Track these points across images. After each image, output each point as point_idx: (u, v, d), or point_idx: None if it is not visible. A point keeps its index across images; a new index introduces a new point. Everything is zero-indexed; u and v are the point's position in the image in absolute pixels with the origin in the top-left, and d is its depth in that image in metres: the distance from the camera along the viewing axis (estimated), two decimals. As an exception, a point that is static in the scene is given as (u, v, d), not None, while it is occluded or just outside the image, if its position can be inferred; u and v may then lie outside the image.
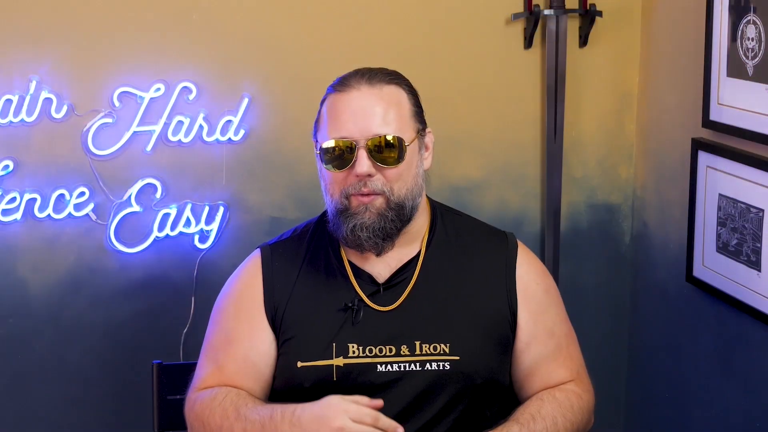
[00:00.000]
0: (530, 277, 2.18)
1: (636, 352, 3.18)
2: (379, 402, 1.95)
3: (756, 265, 2.55)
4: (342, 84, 2.09)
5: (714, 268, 2.73)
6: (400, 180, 2.06)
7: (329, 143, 2.06)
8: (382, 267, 2.14)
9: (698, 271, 2.79)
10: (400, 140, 2.05)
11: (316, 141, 2.12)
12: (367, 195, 2.05)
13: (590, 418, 2.18)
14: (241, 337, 2.13)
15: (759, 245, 2.54)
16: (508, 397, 2.19)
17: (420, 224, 2.16)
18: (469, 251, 2.17)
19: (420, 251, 2.15)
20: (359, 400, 1.94)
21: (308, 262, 2.15)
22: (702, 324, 2.83)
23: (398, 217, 2.07)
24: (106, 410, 2.97)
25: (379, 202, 2.06)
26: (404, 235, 2.13)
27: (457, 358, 2.08)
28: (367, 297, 2.11)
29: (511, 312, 2.14)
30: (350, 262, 2.14)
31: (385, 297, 2.12)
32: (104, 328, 2.93)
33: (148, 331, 2.96)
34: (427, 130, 2.15)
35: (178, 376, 2.38)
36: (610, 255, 3.18)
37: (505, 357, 2.14)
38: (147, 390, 2.44)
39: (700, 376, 2.84)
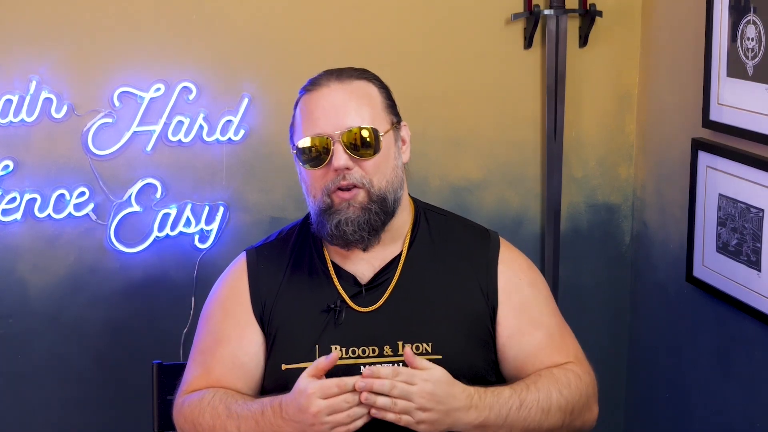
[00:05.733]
0: (512, 272, 2.17)
1: (636, 352, 3.18)
2: (335, 355, 1.95)
3: (756, 265, 2.55)
4: (312, 84, 2.12)
5: (714, 268, 2.73)
6: (379, 172, 2.07)
7: (304, 142, 2.07)
8: (365, 267, 2.14)
9: (698, 271, 2.79)
10: (374, 131, 2.06)
11: (293, 145, 2.13)
12: (348, 190, 2.06)
13: (590, 404, 2.13)
14: (228, 338, 2.13)
15: (759, 245, 2.54)
16: None
17: (402, 222, 2.16)
18: (451, 250, 2.17)
19: (402, 251, 2.15)
20: (318, 368, 1.94)
21: (293, 264, 2.16)
22: (702, 324, 2.83)
23: (382, 209, 2.07)
24: (106, 410, 2.97)
25: (361, 196, 2.06)
26: (387, 233, 2.13)
27: (440, 357, 2.08)
28: (350, 298, 2.11)
29: (492, 310, 2.13)
30: (333, 263, 2.14)
31: (368, 298, 2.12)
32: (104, 328, 2.93)
33: (148, 331, 2.96)
34: (402, 123, 2.16)
35: (178, 376, 2.36)
36: (610, 255, 3.18)
37: (489, 354, 2.14)
38: (147, 390, 2.44)
39: (700, 376, 2.84)
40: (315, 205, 2.09)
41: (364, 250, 2.11)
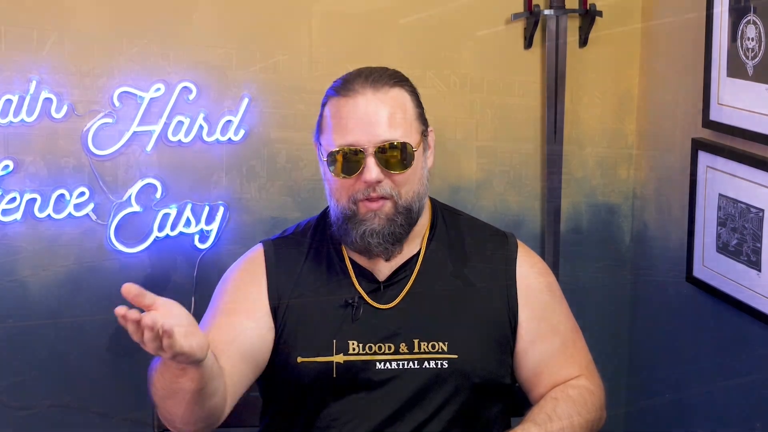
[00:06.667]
0: (532, 276, 2.17)
1: (636, 352, 3.18)
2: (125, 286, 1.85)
3: (756, 265, 2.55)
4: (345, 88, 2.06)
5: (714, 268, 2.73)
6: (408, 183, 2.06)
7: (336, 150, 2.04)
8: (382, 265, 2.13)
9: (698, 271, 2.79)
10: (407, 146, 2.04)
11: (319, 144, 2.10)
12: (376, 201, 2.05)
13: (603, 414, 2.17)
14: (238, 312, 2.10)
15: (759, 245, 2.54)
16: (511, 396, 2.19)
17: (421, 223, 2.15)
18: (469, 251, 2.17)
19: (420, 250, 2.15)
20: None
21: (310, 259, 2.15)
22: (702, 324, 2.83)
23: (407, 221, 2.07)
24: (106, 410, 2.97)
25: (387, 207, 2.05)
26: None
27: (455, 356, 2.08)
28: (367, 294, 2.11)
29: (511, 312, 2.13)
30: (351, 260, 2.14)
31: (385, 295, 2.12)
32: (104, 328, 2.93)
33: (148, 331, 2.95)
34: (429, 129, 2.15)
35: (178, 376, 2.37)
36: (610, 255, 3.18)
37: (504, 357, 2.14)
38: (147, 390, 2.44)
39: (700, 376, 2.84)
40: (338, 210, 2.07)
41: (387, 259, 2.11)
